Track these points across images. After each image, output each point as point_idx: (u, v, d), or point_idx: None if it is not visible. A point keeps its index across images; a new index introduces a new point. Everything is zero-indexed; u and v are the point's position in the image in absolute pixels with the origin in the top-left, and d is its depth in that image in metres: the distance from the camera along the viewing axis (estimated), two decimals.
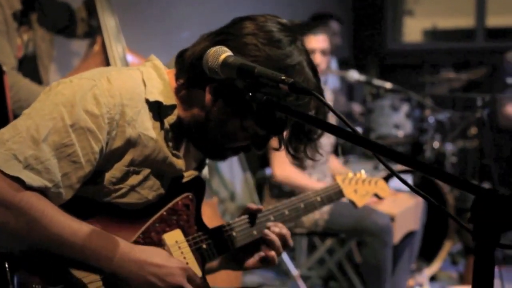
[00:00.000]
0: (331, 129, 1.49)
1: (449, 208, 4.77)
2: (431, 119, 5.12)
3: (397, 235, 3.97)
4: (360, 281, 4.42)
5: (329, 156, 4.11)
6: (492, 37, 7.18)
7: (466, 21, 7.76)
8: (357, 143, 1.46)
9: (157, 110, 1.79)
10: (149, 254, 1.71)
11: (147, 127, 1.77)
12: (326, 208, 3.82)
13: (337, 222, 3.82)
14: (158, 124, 1.80)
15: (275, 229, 2.00)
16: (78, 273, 1.67)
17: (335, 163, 4.24)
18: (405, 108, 5.01)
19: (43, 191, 1.60)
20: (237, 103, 1.73)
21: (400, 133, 4.98)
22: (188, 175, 1.93)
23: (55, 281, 1.64)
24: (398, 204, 4.13)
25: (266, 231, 1.99)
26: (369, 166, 4.73)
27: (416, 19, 8.25)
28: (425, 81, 5.55)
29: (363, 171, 2.45)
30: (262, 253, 2.01)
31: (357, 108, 5.56)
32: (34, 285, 1.60)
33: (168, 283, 1.70)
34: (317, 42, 3.94)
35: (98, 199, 1.74)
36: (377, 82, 4.01)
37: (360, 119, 5.23)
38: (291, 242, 2.02)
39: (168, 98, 1.80)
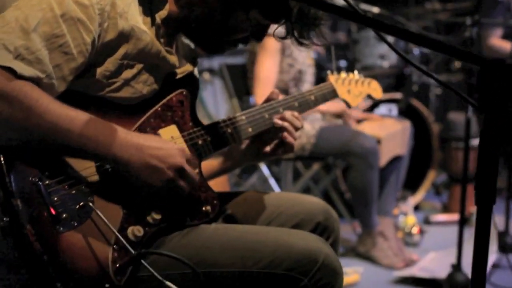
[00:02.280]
0: (336, 10, 1.47)
1: (433, 137, 4.80)
2: (416, 51, 5.10)
3: (383, 158, 3.99)
4: (346, 209, 4.46)
5: (312, 86, 4.09)
6: None
7: None
8: (364, 23, 1.44)
9: (148, 5, 1.76)
10: (146, 138, 1.69)
11: (138, 21, 1.74)
12: (313, 132, 3.82)
13: (324, 145, 3.83)
14: (148, 19, 1.77)
15: (283, 116, 2.01)
16: (76, 165, 1.65)
17: None
18: (390, 38, 4.97)
19: (35, 82, 1.56)
20: None
21: (385, 64, 4.96)
22: (182, 71, 1.91)
23: (52, 173, 1.61)
24: (384, 128, 4.14)
25: (276, 120, 2.00)
26: None
27: None
28: (410, 13, 5.52)
29: (356, 72, 2.42)
30: (277, 141, 2.03)
31: (342, 37, 5.53)
32: (31, 178, 1.57)
33: (169, 163, 1.67)
34: None
35: (91, 93, 1.72)
36: (364, 6, 3.97)
37: (345, 49, 5.20)
38: (299, 123, 2.02)
39: None
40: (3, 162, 1.54)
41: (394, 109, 4.76)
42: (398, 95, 4.77)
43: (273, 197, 2.13)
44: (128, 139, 1.65)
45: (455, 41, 4.97)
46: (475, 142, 4.68)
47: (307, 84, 3.97)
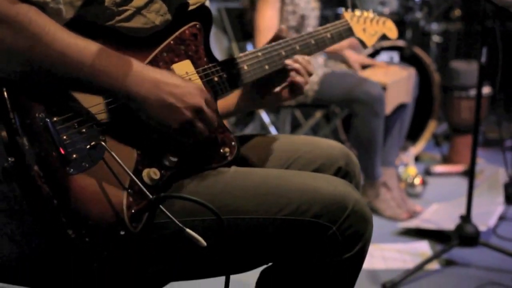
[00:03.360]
0: None
1: (435, 86, 4.67)
2: None
3: (389, 106, 3.86)
4: None
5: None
6: None
7: None
8: None
9: None
10: (164, 74, 1.53)
11: None
12: (316, 79, 3.68)
13: (327, 92, 3.69)
14: None
15: (295, 59, 1.87)
16: (85, 101, 1.49)
17: None
18: None
19: (40, 7, 1.40)
20: None
21: (386, 10, 4.80)
22: (194, 2, 1.75)
23: (60, 110, 1.45)
24: (390, 75, 4.00)
25: (289, 61, 1.86)
26: (356, 45, 4.58)
27: None
28: None
29: (371, 10, 2.28)
30: (288, 81, 1.88)
31: None
32: (37, 114, 1.41)
33: (187, 103, 1.52)
34: None
35: (101, 23, 1.56)
36: None
37: None
38: (311, 67, 1.89)
39: None
40: (6, 96, 1.38)
41: (395, 56, 4.63)
42: (399, 42, 4.62)
43: (289, 140, 1.99)
44: (145, 73, 1.49)
45: None
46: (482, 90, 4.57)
47: (310, 28, 3.80)
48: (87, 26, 1.52)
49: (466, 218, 3.22)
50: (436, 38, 5.21)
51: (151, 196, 1.49)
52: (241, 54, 1.84)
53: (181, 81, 1.55)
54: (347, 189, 1.63)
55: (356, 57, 4.06)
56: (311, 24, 3.81)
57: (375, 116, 3.63)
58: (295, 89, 1.89)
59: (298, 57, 1.88)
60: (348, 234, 1.59)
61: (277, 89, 1.91)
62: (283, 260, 1.65)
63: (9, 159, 1.36)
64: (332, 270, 1.62)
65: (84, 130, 1.47)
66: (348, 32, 2.12)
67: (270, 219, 1.58)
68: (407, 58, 4.61)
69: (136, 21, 1.61)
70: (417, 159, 4.80)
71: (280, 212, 1.58)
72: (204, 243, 1.49)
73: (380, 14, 4.68)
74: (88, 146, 1.46)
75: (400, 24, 4.95)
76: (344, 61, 4.02)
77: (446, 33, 5.62)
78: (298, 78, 1.86)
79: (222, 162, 1.70)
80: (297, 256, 1.62)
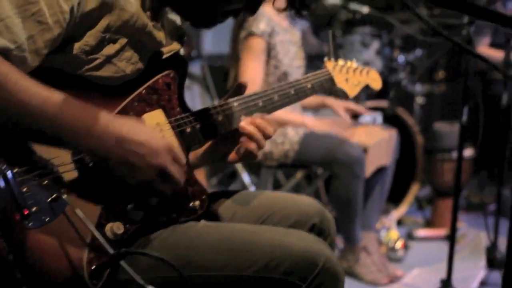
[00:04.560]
0: None
1: (418, 148, 4.63)
2: (400, 59, 4.95)
3: (369, 168, 3.80)
4: None
5: None
6: None
7: None
8: None
9: None
10: (131, 128, 1.47)
11: None
12: (296, 138, 3.62)
13: (308, 153, 3.62)
14: None
15: (253, 121, 1.78)
16: (47, 153, 1.44)
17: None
18: (375, 45, 4.82)
19: (3, 54, 1.35)
20: None
21: None
22: (168, 50, 1.72)
23: (21, 161, 1.40)
24: (371, 136, 3.95)
25: (242, 124, 1.76)
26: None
27: None
28: (396, 19, 5.35)
29: (354, 60, 2.23)
30: (242, 147, 1.79)
31: (327, 48, 5.37)
32: None
33: (151, 164, 1.46)
34: None
35: (69, 72, 1.51)
36: (354, 6, 3.79)
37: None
38: (270, 130, 1.79)
39: None
40: None
41: (379, 117, 4.58)
42: (383, 103, 4.59)
43: (264, 196, 1.93)
44: (110, 128, 1.43)
45: (447, 42, 4.82)
46: (465, 152, 4.53)
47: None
48: (55, 74, 1.48)
49: (446, 282, 3.15)
50: (420, 100, 5.20)
51: (112, 251, 1.44)
52: (217, 104, 1.78)
53: (148, 137, 1.48)
54: (320, 246, 1.59)
55: (339, 103, 3.97)
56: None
57: (355, 178, 3.56)
58: (246, 154, 1.79)
59: (257, 118, 1.79)
60: None
61: (230, 155, 1.84)
62: None
63: None
64: None
65: (46, 182, 1.42)
66: (330, 82, 2.07)
67: (238, 276, 1.53)
68: (390, 119, 4.58)
69: (106, 70, 1.56)
70: (399, 222, 4.72)
71: (249, 269, 1.53)
72: None
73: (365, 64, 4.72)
74: (49, 199, 1.41)
75: (384, 85, 4.92)
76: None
77: (430, 94, 5.62)
78: (250, 145, 1.77)
79: (191, 216, 1.65)
80: None
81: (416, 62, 5.08)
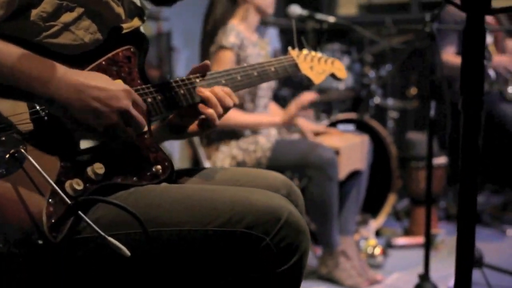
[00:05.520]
0: None
1: (392, 158, 4.68)
2: (371, 74, 5.02)
3: (343, 171, 3.83)
4: None
5: (269, 101, 3.96)
6: (426, 9, 7.18)
7: None
8: None
9: None
10: (88, 76, 1.50)
11: None
12: (268, 145, 3.65)
13: (280, 158, 3.65)
14: None
15: (212, 90, 1.83)
16: (6, 109, 1.46)
17: (276, 109, 4.09)
18: (346, 60, 4.89)
19: None
20: None
21: (341, 86, 4.85)
22: (128, 26, 1.75)
23: None
24: (343, 140, 4.00)
25: (200, 88, 1.81)
26: (311, 119, 4.61)
27: None
28: (365, 38, 5.45)
29: (318, 51, 2.28)
30: (202, 116, 1.83)
31: None
32: None
33: (112, 106, 1.49)
34: None
35: (27, 38, 1.54)
36: (320, 16, 3.86)
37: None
38: (228, 101, 1.83)
39: None
40: None
41: (351, 129, 4.64)
42: (354, 115, 4.65)
43: (230, 171, 1.95)
44: (68, 76, 1.47)
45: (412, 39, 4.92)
46: (436, 161, 4.59)
47: (264, 99, 3.83)
48: (14, 42, 1.49)
49: (424, 277, 3.16)
50: (392, 114, 5.26)
51: (69, 202, 1.44)
52: (178, 79, 1.82)
53: (107, 83, 1.52)
54: (282, 202, 1.59)
55: (309, 125, 4.05)
56: (265, 94, 3.84)
57: (329, 180, 3.60)
58: (203, 121, 1.83)
59: (217, 88, 1.83)
60: (283, 246, 1.54)
61: (190, 126, 1.88)
62: (216, 275, 1.58)
63: None
64: (269, 284, 1.55)
65: (3, 138, 1.43)
66: (294, 68, 2.11)
67: (200, 230, 1.52)
68: (364, 131, 4.63)
69: (64, 37, 1.59)
70: (377, 233, 4.73)
71: (211, 224, 1.52)
72: (127, 252, 1.43)
73: (336, 89, 4.79)
74: (7, 155, 1.42)
75: (357, 99, 5.00)
76: (297, 130, 4.02)
77: (403, 110, 5.69)
78: (207, 110, 1.80)
79: (153, 180, 1.66)
80: (231, 270, 1.56)
81: (387, 77, 5.15)
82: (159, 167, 1.68)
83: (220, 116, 1.82)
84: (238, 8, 3.76)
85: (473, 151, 1.19)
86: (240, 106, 3.69)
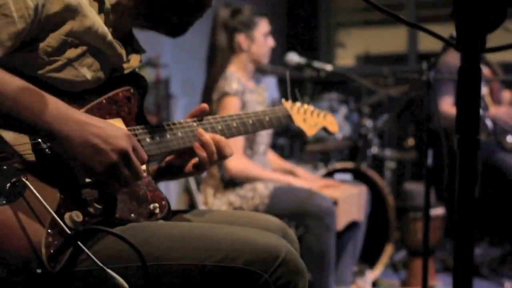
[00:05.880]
0: None
1: (390, 209, 4.65)
2: (369, 124, 5.03)
3: (341, 221, 3.80)
4: None
5: (267, 148, 3.96)
6: (423, 60, 7.24)
7: (398, 48, 7.85)
8: None
9: None
10: (89, 116, 1.53)
11: (85, 3, 1.61)
12: (266, 192, 3.64)
13: (278, 206, 3.63)
14: (96, 4, 1.66)
15: (213, 136, 1.85)
16: (9, 139, 1.48)
17: (273, 157, 4.09)
18: (343, 110, 4.91)
19: None
20: None
21: (339, 135, 4.86)
22: (128, 67, 1.79)
23: None
24: (341, 190, 3.98)
25: (201, 130, 1.83)
26: (308, 169, 4.61)
27: (348, 48, 8.31)
28: (362, 88, 5.49)
29: (310, 104, 2.32)
30: (196, 158, 1.85)
31: None
32: None
33: (112, 145, 1.50)
34: (269, 25, 3.87)
35: (31, 72, 1.55)
36: (318, 64, 3.89)
37: None
38: (228, 151, 1.86)
39: None
40: None
41: (349, 178, 4.62)
42: (351, 165, 4.64)
43: (227, 213, 1.99)
44: (69, 113, 1.48)
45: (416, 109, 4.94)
46: (433, 212, 4.56)
47: (263, 145, 3.83)
48: (16, 74, 1.51)
49: None
50: (390, 164, 5.25)
51: (69, 232, 1.46)
52: (176, 122, 1.83)
53: (107, 124, 1.54)
54: (280, 241, 1.61)
55: (308, 176, 4.05)
56: (263, 141, 3.83)
57: (327, 229, 3.56)
58: (196, 163, 1.85)
59: (217, 136, 1.86)
60: (281, 284, 1.54)
61: (184, 167, 1.90)
62: None
63: None
64: None
65: (5, 167, 1.45)
66: (288, 119, 2.16)
67: (199, 265, 1.53)
68: (361, 181, 4.62)
69: (67, 72, 1.60)
70: (374, 285, 4.68)
71: (209, 259, 1.53)
72: (126, 286, 1.44)
73: (333, 139, 4.79)
74: (8, 184, 1.43)
75: (354, 149, 5.00)
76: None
77: (401, 161, 5.69)
78: (201, 153, 1.82)
79: (150, 218, 1.68)
80: None
81: (384, 128, 5.16)
82: (156, 205, 1.69)
83: (213, 162, 1.84)
84: (235, 56, 3.79)
85: (470, 196, 1.17)
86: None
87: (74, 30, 1.58)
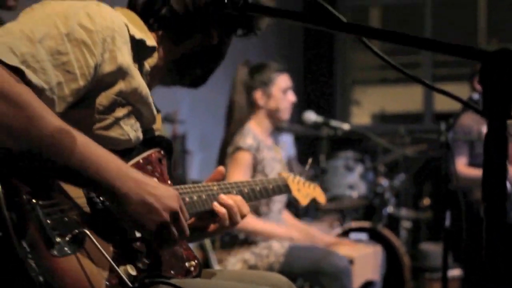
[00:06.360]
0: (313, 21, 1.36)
1: (406, 269, 4.61)
2: (385, 183, 5.03)
3: (357, 281, 3.77)
4: None
5: (283, 207, 3.95)
6: (439, 119, 7.26)
7: (414, 106, 7.88)
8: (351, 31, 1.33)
9: (137, 51, 1.70)
10: (143, 175, 1.56)
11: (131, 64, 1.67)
12: (282, 251, 3.61)
13: (293, 264, 3.60)
14: (136, 66, 1.70)
15: (232, 197, 1.92)
16: (74, 192, 1.52)
17: (288, 216, 4.07)
18: (359, 169, 4.91)
19: (38, 93, 1.42)
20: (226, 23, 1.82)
21: (355, 194, 4.86)
22: (156, 128, 1.85)
23: (45, 195, 1.45)
24: (357, 250, 3.95)
25: (222, 196, 1.90)
26: (324, 227, 4.59)
27: (364, 106, 8.36)
28: (378, 146, 5.50)
29: (298, 176, 2.46)
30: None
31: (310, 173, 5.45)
32: (24, 195, 1.40)
33: (165, 205, 1.54)
34: (290, 80, 3.92)
35: (81, 129, 1.58)
36: (335, 123, 3.91)
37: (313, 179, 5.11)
38: (246, 210, 1.93)
39: (149, 39, 1.73)
40: None
41: (364, 238, 4.60)
42: (367, 224, 4.62)
43: (232, 272, 2.05)
44: (129, 171, 1.52)
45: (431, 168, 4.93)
46: (450, 273, 4.51)
47: (278, 203, 3.81)
48: None
49: None
50: (405, 224, 5.23)
51: (131, 285, 1.50)
52: (200, 184, 1.91)
53: (159, 184, 1.58)
54: None
55: (322, 236, 4.03)
56: (279, 199, 3.82)
57: None
58: (219, 227, 1.93)
59: (235, 196, 1.93)
60: None
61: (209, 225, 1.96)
62: None
63: None
64: None
65: (66, 219, 1.47)
66: (285, 188, 2.30)
67: None
68: (377, 241, 4.59)
69: (114, 131, 1.64)
70: None
71: None
72: None
73: (349, 197, 4.79)
74: (70, 234, 1.45)
75: (369, 208, 4.98)
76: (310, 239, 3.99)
77: (416, 220, 5.66)
78: (225, 216, 1.88)
79: (186, 275, 1.73)
80: None
81: (400, 187, 5.15)
82: (192, 263, 1.75)
83: (235, 223, 1.89)
84: (255, 112, 3.81)
85: (497, 263, 1.16)
86: (255, 209, 3.68)
87: (123, 90, 1.62)
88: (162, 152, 1.81)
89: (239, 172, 3.62)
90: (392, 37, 1.27)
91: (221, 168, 1.97)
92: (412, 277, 4.67)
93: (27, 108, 1.37)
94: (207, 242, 3.83)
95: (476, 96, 4.85)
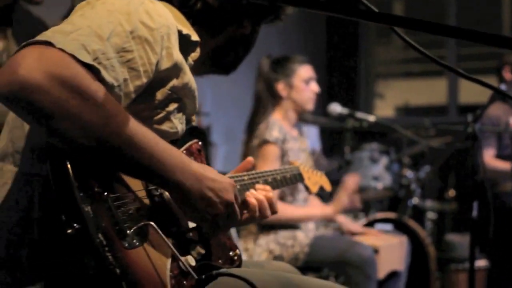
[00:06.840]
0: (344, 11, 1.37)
1: (431, 260, 4.60)
2: (410, 175, 5.03)
3: (381, 270, 3.78)
4: None
5: (309, 196, 3.97)
6: (463, 112, 7.23)
7: (438, 99, 7.85)
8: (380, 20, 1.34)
9: (183, 46, 1.72)
10: (204, 167, 1.61)
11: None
12: (307, 241, 3.63)
13: (318, 255, 3.62)
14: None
15: (265, 191, 1.94)
16: (135, 186, 1.58)
17: (317, 202, 4.09)
18: (384, 160, 4.91)
19: (108, 89, 1.45)
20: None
21: (380, 185, 4.86)
22: (192, 119, 1.89)
23: (112, 188, 1.50)
24: (382, 239, 3.97)
25: (248, 193, 1.91)
26: (348, 218, 4.59)
27: (387, 100, 8.34)
28: (403, 138, 5.49)
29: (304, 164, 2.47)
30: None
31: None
32: (96, 189, 1.45)
33: (222, 198, 1.60)
34: (313, 71, 3.93)
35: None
36: (360, 115, 3.91)
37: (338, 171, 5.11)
38: (268, 213, 1.92)
39: (193, 34, 1.75)
40: (70, 168, 1.42)
41: (389, 228, 4.60)
42: (392, 215, 4.62)
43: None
44: (192, 166, 1.57)
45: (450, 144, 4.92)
46: (476, 263, 4.49)
47: (302, 193, 3.83)
48: None
49: None
50: (430, 215, 5.22)
51: (196, 276, 1.55)
52: (233, 175, 1.93)
53: (218, 176, 1.63)
54: None
55: (349, 225, 4.05)
56: (302, 188, 3.83)
57: (368, 279, 3.54)
58: (249, 218, 1.95)
59: (270, 193, 1.94)
60: None
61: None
62: None
63: (75, 225, 1.38)
64: None
65: (131, 211, 1.52)
66: (299, 177, 2.32)
67: None
68: (402, 232, 4.59)
69: (166, 124, 1.68)
70: None
71: None
72: None
73: (374, 189, 4.79)
74: (137, 226, 1.49)
75: (394, 199, 4.98)
76: (336, 226, 4.01)
77: (441, 212, 5.65)
78: (256, 214, 1.90)
79: (231, 264, 1.79)
80: None
81: (426, 178, 5.14)
82: (236, 252, 1.81)
83: (265, 217, 1.91)
84: (278, 104, 3.84)
85: None
86: (281, 199, 3.70)
87: (175, 85, 1.66)
88: (199, 143, 1.85)
89: (267, 165, 3.63)
90: (429, 27, 1.27)
91: (251, 158, 2.00)
92: (437, 268, 4.66)
93: (105, 106, 1.40)
94: (232, 230, 3.85)
95: (503, 87, 4.84)
